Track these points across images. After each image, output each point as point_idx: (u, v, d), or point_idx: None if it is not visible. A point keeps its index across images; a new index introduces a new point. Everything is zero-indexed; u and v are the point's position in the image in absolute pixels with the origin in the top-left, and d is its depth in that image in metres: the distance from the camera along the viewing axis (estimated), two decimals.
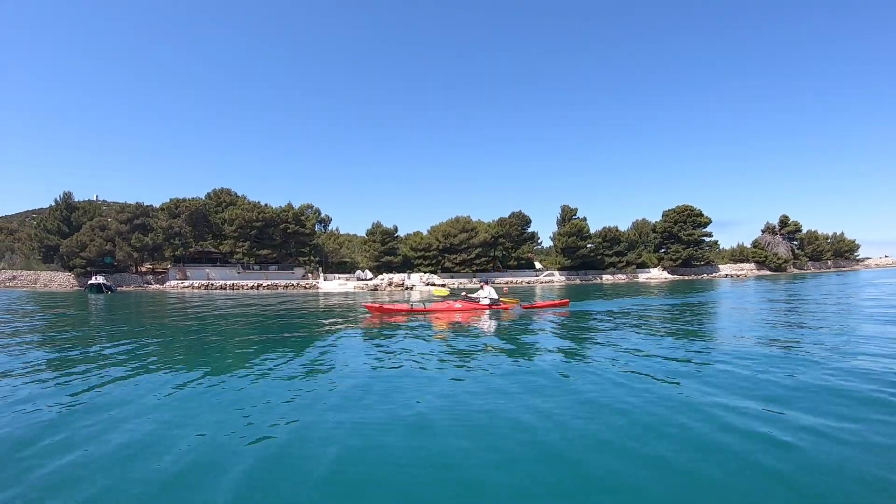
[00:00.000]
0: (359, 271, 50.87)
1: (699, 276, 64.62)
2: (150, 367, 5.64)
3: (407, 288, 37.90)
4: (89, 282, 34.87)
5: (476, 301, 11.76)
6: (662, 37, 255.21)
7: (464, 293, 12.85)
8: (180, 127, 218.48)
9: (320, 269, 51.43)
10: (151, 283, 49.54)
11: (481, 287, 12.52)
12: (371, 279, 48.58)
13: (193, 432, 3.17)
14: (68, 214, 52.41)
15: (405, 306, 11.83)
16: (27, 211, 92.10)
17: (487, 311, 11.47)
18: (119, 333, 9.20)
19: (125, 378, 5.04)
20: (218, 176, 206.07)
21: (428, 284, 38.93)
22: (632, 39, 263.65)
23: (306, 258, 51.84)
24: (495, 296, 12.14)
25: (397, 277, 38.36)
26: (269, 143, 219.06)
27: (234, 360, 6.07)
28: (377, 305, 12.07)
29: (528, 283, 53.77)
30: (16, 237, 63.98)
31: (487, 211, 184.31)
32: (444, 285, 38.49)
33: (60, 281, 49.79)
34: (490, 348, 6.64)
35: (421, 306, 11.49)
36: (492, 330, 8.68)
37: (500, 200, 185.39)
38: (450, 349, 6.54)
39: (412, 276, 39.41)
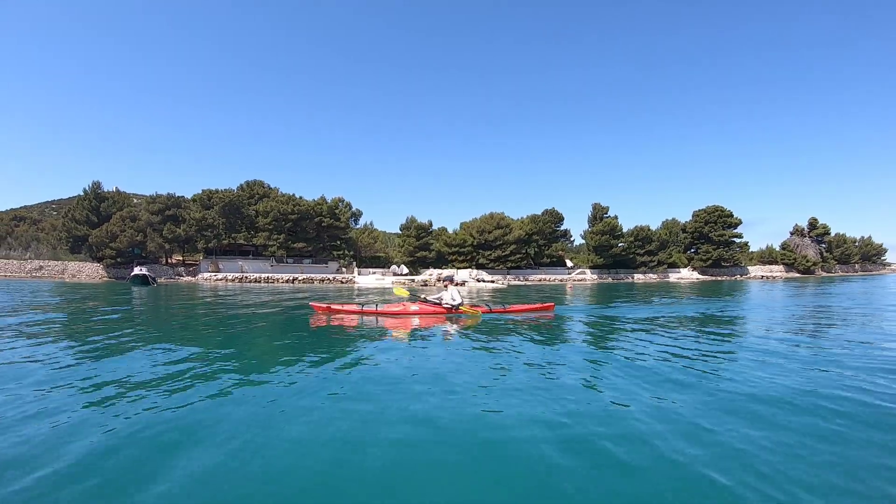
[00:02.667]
0: (394, 266, 49.99)
1: (732, 277, 63.66)
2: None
3: (457, 283, 37.06)
4: (132, 273, 33.79)
5: (438, 304, 10.60)
6: (692, 35, 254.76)
7: (423, 296, 11.50)
8: (205, 119, 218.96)
9: (354, 263, 50.57)
10: (183, 275, 48.66)
11: (445, 287, 11.20)
12: (406, 274, 47.64)
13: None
14: (97, 204, 51.50)
15: (355, 307, 11.17)
16: (47, 201, 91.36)
17: (447, 316, 10.25)
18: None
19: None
20: (242, 168, 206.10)
21: (478, 281, 38.05)
22: (662, 36, 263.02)
23: (340, 252, 50.97)
24: (458, 300, 10.73)
25: (446, 273, 37.45)
26: (297, 135, 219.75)
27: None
28: (325, 305, 11.29)
29: (561, 280, 52.80)
30: (39, 227, 63.15)
31: (516, 207, 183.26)
32: (492, 281, 37.67)
33: (89, 272, 48.88)
34: (440, 350, 5.88)
35: (373, 308, 10.76)
36: (449, 336, 7.49)
37: (528, 197, 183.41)
38: (394, 355, 5.71)
39: (460, 272, 38.53)
